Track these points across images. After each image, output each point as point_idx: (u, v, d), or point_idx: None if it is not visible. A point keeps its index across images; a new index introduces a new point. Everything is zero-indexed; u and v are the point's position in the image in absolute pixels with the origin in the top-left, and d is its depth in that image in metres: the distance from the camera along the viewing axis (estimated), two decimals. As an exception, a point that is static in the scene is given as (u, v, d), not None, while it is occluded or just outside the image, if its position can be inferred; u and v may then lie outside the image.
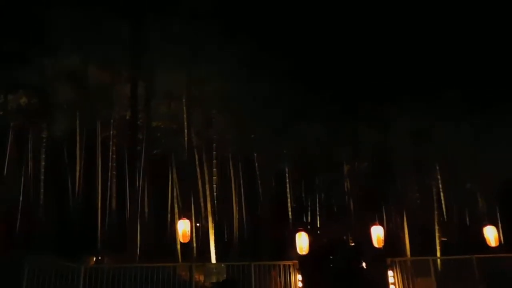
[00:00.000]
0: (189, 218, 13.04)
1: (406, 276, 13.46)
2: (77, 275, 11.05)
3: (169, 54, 15.56)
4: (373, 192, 19.18)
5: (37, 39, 14.65)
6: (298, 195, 18.53)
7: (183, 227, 12.33)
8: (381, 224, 14.31)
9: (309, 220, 18.57)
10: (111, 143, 16.39)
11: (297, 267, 12.80)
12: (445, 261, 14.25)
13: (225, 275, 12.08)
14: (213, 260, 14.13)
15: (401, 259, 13.83)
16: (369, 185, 19.41)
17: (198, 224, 15.78)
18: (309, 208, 19.08)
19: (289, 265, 12.79)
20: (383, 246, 14.33)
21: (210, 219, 14.54)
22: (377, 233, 14.02)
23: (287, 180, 18.29)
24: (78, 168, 16.00)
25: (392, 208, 17.75)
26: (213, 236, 14.19)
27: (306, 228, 14.08)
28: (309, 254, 14.30)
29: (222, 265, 12.23)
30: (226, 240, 16.03)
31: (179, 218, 12.77)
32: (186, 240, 12.48)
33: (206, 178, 16.18)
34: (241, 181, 17.24)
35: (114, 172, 15.86)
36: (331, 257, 17.33)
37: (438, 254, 16.67)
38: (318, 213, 18.94)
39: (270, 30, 17.05)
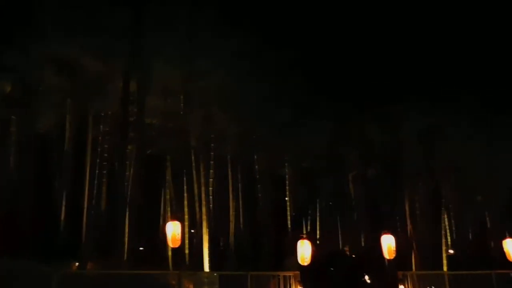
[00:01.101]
0: (181, 220, 11.68)
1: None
2: (50, 281, 9.75)
3: (165, 44, 14.44)
4: (381, 200, 17.91)
5: (24, 23, 13.54)
6: (300, 201, 17.16)
7: (173, 230, 11.00)
8: (392, 233, 12.95)
9: (310, 229, 17.17)
10: (100, 140, 15.06)
11: (298, 279, 11.50)
12: (461, 276, 12.86)
13: (217, 286, 10.74)
14: (206, 269, 12.80)
15: (414, 273, 12.58)
16: (376, 191, 18.16)
17: (192, 231, 14.44)
18: (311, 215, 17.73)
19: (289, 276, 11.50)
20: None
21: (204, 223, 13.21)
22: (388, 243, 12.68)
23: (288, 185, 16.98)
24: (62, 165, 14.68)
25: (401, 217, 16.36)
26: (207, 243, 12.87)
27: (309, 236, 12.71)
28: (311, 264, 13.03)
29: (215, 274, 10.87)
30: (221, 247, 14.59)
31: (169, 220, 11.44)
32: (176, 244, 11.14)
33: (202, 180, 14.88)
34: (240, 184, 15.89)
35: (102, 171, 14.52)
36: (331, 269, 15.98)
37: (445, 268, 15.39)
38: (320, 221, 17.59)
39: (273, 21, 15.95)
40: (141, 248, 12.91)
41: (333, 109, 17.41)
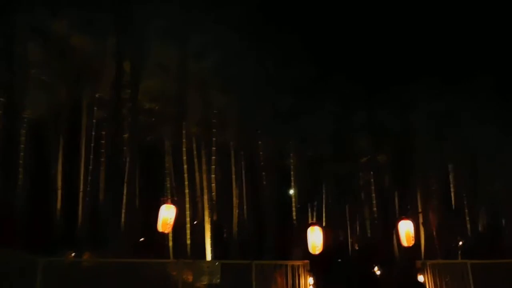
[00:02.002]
0: (176, 204, 10.72)
1: (439, 282, 11.14)
2: (36, 269, 8.92)
3: (161, 22, 13.47)
4: (393, 186, 16.80)
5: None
6: (307, 188, 16.11)
7: (165, 214, 10.09)
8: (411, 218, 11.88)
9: (318, 217, 16.13)
10: (94, 125, 14.07)
11: (308, 268, 10.54)
12: (485, 265, 11.74)
13: (219, 276, 9.80)
14: (208, 258, 11.87)
15: (434, 262, 11.54)
16: (388, 178, 17.06)
17: (195, 222, 13.49)
18: (318, 203, 16.69)
19: (298, 266, 10.54)
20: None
21: (206, 211, 12.25)
22: (406, 229, 11.64)
23: (294, 171, 15.93)
24: (55, 152, 13.77)
25: (416, 204, 15.22)
26: (209, 231, 11.93)
27: (320, 223, 11.70)
28: (323, 253, 12.07)
29: (216, 263, 9.93)
30: (224, 235, 13.57)
31: (163, 203, 10.48)
32: (167, 229, 10.23)
33: (204, 166, 13.92)
34: (243, 171, 14.84)
35: (97, 158, 13.57)
36: (339, 260, 15.00)
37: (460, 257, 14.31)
38: (329, 209, 16.54)
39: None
40: (140, 237, 11.92)
41: (340, 92, 16.41)
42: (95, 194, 12.62)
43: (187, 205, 12.78)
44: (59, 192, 13.63)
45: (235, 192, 14.60)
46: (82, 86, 14.22)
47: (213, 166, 13.90)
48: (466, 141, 16.10)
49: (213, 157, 14.12)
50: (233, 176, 14.58)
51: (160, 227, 10.34)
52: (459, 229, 15.52)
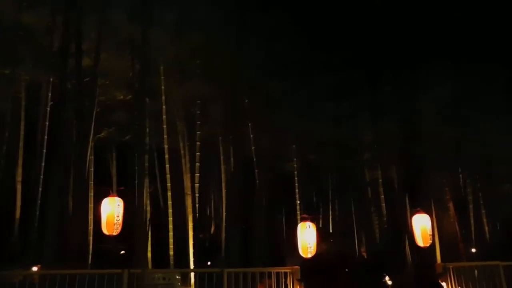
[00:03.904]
0: (123, 196, 8.34)
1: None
2: None
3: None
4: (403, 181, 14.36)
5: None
6: (305, 183, 13.71)
7: (110, 210, 7.76)
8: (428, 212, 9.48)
9: (318, 213, 13.61)
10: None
11: (298, 277, 8.15)
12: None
13: (178, 288, 7.41)
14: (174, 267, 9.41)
15: (459, 264, 9.15)
16: (397, 172, 14.64)
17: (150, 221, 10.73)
18: (319, 197, 14.25)
19: (285, 273, 8.16)
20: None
21: (170, 207, 9.74)
22: (423, 226, 9.25)
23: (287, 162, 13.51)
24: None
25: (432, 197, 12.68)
26: (172, 231, 9.46)
27: (314, 218, 9.31)
28: (317, 258, 9.71)
29: (176, 275, 7.54)
30: (195, 236, 10.99)
31: (107, 196, 8.06)
32: (112, 230, 7.86)
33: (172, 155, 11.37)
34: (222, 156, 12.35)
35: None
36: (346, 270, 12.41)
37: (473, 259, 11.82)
38: (329, 204, 14.11)
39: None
40: (86, 242, 9.23)
41: (342, 77, 14.12)
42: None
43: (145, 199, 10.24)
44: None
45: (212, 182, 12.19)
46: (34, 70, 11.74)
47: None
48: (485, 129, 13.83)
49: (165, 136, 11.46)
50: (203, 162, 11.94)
51: (104, 228, 7.98)
52: (484, 228, 13.13)
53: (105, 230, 7.95)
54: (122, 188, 8.99)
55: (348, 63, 13.97)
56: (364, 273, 11.71)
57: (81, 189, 8.51)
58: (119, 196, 8.10)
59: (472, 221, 12.58)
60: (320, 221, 15.52)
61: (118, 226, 7.89)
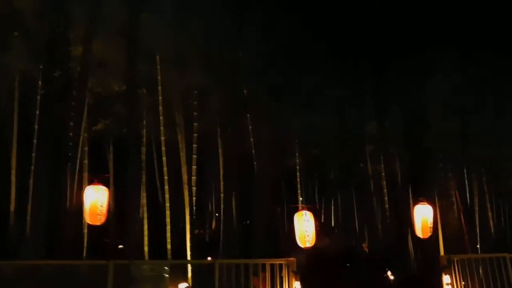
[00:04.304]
0: (107, 184, 7.95)
1: (471, 280, 8.33)
2: None
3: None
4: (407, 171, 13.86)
5: None
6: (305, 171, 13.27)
7: (94, 198, 7.40)
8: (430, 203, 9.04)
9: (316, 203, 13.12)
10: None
11: (294, 268, 7.76)
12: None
13: (165, 282, 7.05)
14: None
15: (464, 256, 8.73)
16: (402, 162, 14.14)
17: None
18: (320, 189, 13.81)
19: (280, 265, 7.78)
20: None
21: (167, 195, 9.31)
22: (424, 217, 8.83)
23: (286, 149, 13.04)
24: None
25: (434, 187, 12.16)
26: (169, 218, 9.04)
27: (311, 207, 8.88)
28: (316, 249, 9.32)
29: (165, 266, 7.16)
30: (199, 231, 10.68)
31: (89, 183, 7.67)
32: (96, 220, 7.47)
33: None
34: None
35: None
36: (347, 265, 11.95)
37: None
38: (331, 196, 13.67)
39: None
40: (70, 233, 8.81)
41: (344, 64, 13.60)
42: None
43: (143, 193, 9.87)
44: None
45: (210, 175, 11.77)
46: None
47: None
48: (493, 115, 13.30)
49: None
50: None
51: (87, 218, 7.62)
52: (489, 220, 12.65)
53: (88, 220, 7.60)
54: (106, 175, 8.57)
55: (351, 50, 13.59)
56: (366, 268, 11.27)
57: (66, 177, 8.14)
58: (104, 184, 7.73)
59: (477, 213, 12.10)
60: (322, 215, 15.15)
61: (102, 216, 7.51)
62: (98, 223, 7.59)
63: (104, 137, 11.00)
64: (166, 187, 9.72)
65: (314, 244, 9.08)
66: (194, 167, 10.46)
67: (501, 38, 13.10)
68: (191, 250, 9.17)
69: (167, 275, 7.34)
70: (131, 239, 8.64)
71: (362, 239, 14.24)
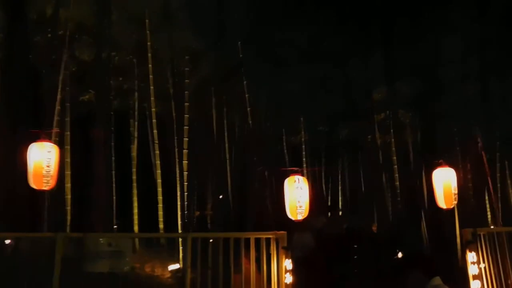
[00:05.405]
0: (56, 141, 6.53)
1: (501, 256, 6.88)
2: None
3: None
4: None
5: None
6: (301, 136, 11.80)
7: (38, 158, 5.99)
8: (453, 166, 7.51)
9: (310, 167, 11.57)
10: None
11: (284, 244, 6.34)
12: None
13: (126, 259, 5.69)
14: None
15: (491, 229, 7.27)
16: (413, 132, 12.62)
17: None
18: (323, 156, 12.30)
19: (268, 240, 6.36)
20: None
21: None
22: (446, 182, 7.28)
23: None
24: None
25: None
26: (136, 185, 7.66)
27: (305, 172, 7.40)
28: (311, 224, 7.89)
29: (127, 238, 5.80)
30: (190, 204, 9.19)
31: (34, 141, 6.19)
32: (41, 185, 6.10)
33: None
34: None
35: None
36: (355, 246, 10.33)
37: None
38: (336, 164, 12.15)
39: None
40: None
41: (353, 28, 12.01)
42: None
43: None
44: None
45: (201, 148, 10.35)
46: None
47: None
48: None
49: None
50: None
51: (31, 181, 6.22)
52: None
53: (32, 184, 6.20)
54: (56, 130, 7.12)
55: (359, 8, 12.02)
56: (374, 249, 9.77)
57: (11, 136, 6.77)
58: (52, 141, 6.30)
59: (498, 181, 10.55)
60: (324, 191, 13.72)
61: (49, 179, 6.12)
62: (45, 188, 6.21)
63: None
64: (134, 146, 8.29)
65: (310, 222, 7.70)
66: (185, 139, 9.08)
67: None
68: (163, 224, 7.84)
69: (129, 251, 5.96)
70: (93, 209, 7.26)
71: (370, 220, 12.84)
